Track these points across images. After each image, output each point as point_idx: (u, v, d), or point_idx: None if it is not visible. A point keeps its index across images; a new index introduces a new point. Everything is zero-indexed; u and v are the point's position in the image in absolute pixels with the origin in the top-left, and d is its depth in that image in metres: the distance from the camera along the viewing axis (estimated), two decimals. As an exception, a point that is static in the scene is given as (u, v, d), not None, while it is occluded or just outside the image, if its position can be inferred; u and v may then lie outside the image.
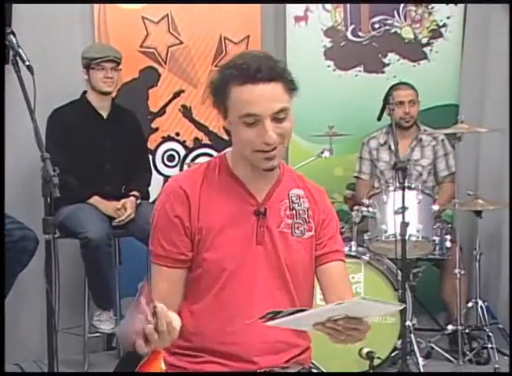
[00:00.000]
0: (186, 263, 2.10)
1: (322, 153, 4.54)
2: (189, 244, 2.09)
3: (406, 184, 3.92)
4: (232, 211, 2.11)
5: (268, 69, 1.99)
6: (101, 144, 4.31)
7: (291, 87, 2.05)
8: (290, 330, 2.00)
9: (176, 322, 1.83)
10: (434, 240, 4.26)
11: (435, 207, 4.24)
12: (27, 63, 2.94)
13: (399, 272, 4.08)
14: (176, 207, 2.08)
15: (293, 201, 2.17)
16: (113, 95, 4.50)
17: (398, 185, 4.00)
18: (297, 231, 2.15)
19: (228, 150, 2.21)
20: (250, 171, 2.12)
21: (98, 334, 4.26)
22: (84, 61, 4.26)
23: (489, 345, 4.24)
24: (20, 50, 2.97)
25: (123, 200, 4.23)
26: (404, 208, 3.85)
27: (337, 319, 1.80)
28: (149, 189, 4.52)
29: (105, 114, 4.36)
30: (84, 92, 4.35)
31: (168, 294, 2.08)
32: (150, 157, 4.80)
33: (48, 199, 2.77)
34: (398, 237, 3.89)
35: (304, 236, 2.16)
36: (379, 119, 4.31)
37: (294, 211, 2.16)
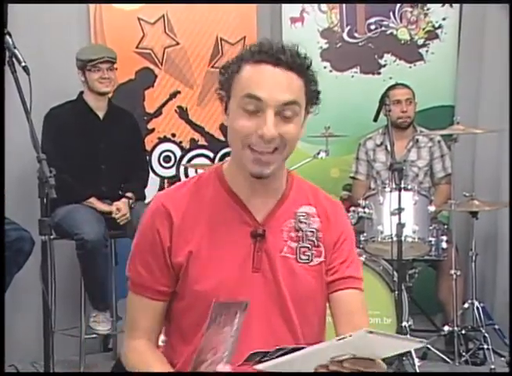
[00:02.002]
0: (166, 296, 1.86)
1: (318, 154, 4.54)
2: (168, 275, 1.83)
3: (402, 185, 3.93)
4: (225, 233, 1.83)
5: (292, 55, 1.74)
6: (96, 144, 4.30)
7: (313, 90, 1.79)
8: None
9: None
10: (430, 241, 4.26)
11: (431, 209, 4.24)
12: (23, 63, 2.94)
13: (395, 273, 4.08)
14: (158, 229, 1.83)
15: (300, 221, 1.86)
16: (110, 95, 4.49)
17: (394, 186, 4.01)
18: (303, 257, 1.85)
19: (227, 159, 1.93)
20: (249, 183, 1.82)
21: (94, 336, 4.25)
22: (79, 63, 4.25)
23: (485, 346, 4.24)
24: (16, 51, 2.98)
25: (115, 204, 4.22)
26: (400, 209, 3.85)
27: (343, 361, 1.49)
28: (146, 191, 4.51)
29: (101, 115, 4.35)
30: (81, 93, 4.35)
31: (152, 327, 1.88)
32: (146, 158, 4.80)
33: (45, 200, 2.77)
34: (395, 238, 3.89)
35: (311, 263, 1.86)
36: (375, 120, 4.31)
37: (301, 233, 1.86)
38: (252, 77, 1.73)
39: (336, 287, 1.87)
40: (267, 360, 1.52)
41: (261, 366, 1.52)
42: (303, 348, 1.50)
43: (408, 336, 1.52)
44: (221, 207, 1.85)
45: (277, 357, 1.51)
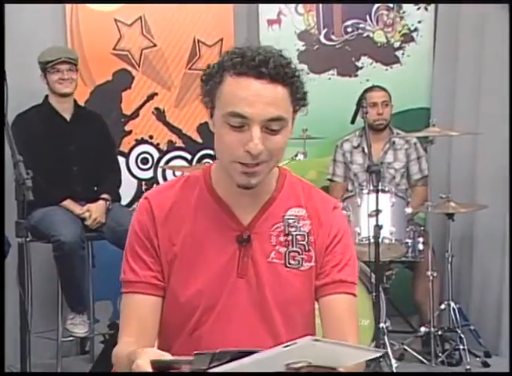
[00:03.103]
0: (160, 291, 1.81)
1: (296, 156, 4.55)
2: (160, 269, 1.81)
3: (380, 187, 3.94)
4: (210, 237, 1.79)
5: (276, 66, 1.66)
6: (66, 146, 4.28)
7: (299, 97, 1.72)
8: None
9: None
10: (407, 243, 4.29)
11: (408, 210, 4.27)
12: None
13: (373, 274, 4.09)
14: (145, 225, 1.81)
15: (289, 225, 1.81)
16: (86, 97, 4.48)
17: (371, 188, 4.02)
18: (292, 262, 1.80)
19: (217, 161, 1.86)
20: (234, 188, 1.76)
21: (71, 338, 4.23)
22: (40, 65, 4.25)
23: (461, 347, 4.27)
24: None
25: (87, 205, 4.20)
26: (378, 211, 3.87)
27: (299, 369, 1.41)
28: (123, 192, 4.49)
29: (68, 117, 4.33)
30: (47, 96, 4.33)
31: (146, 327, 1.80)
32: (124, 160, 4.80)
33: (22, 202, 2.76)
34: (372, 240, 3.91)
35: (301, 268, 1.80)
36: (352, 122, 4.33)
37: (290, 238, 1.80)
38: (235, 93, 1.67)
39: (325, 292, 1.82)
40: (216, 366, 1.45)
41: (212, 370, 1.45)
42: (249, 352, 1.42)
43: (361, 345, 1.49)
44: (207, 211, 1.81)
45: (225, 360, 1.45)
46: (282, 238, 1.80)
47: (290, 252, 1.80)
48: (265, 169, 1.72)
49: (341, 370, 1.49)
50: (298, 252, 1.80)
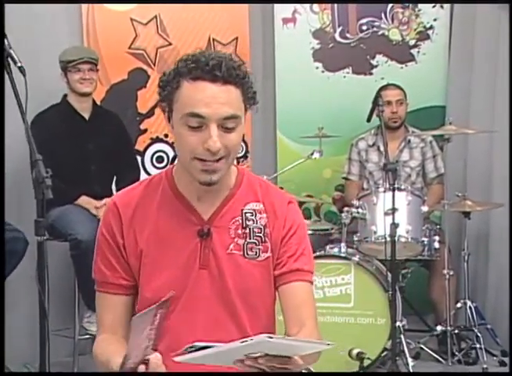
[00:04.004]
0: (129, 289, 1.93)
1: (312, 154, 4.54)
2: (128, 269, 1.92)
3: (396, 185, 3.93)
4: (173, 233, 1.90)
5: (228, 69, 1.79)
6: (84, 145, 4.31)
7: (250, 96, 1.85)
8: None
9: None
10: (423, 241, 4.28)
11: (424, 209, 4.26)
12: (19, 64, 2.92)
13: (389, 273, 4.08)
14: (111, 226, 1.92)
15: (247, 218, 1.93)
16: (102, 96, 4.48)
17: (388, 186, 4.01)
18: (250, 253, 1.91)
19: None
20: (195, 185, 1.88)
21: (87, 336, 4.24)
22: (61, 64, 4.27)
23: (478, 346, 4.25)
24: (12, 51, 2.96)
25: (105, 199, 4.22)
26: (394, 209, 3.86)
27: (257, 358, 1.55)
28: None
29: (87, 116, 4.36)
30: (65, 96, 4.35)
31: (113, 325, 1.93)
32: (139, 158, 4.81)
33: (42, 200, 2.76)
34: (388, 238, 3.89)
35: (258, 258, 1.92)
36: (368, 120, 4.32)
37: (248, 230, 1.92)
38: (192, 96, 1.79)
39: (283, 281, 1.93)
40: (189, 353, 1.59)
41: (180, 359, 1.58)
42: (213, 346, 1.55)
43: (312, 339, 1.70)
44: (169, 209, 1.92)
45: (199, 350, 1.58)
46: (240, 231, 1.92)
47: (247, 244, 1.92)
48: (223, 166, 1.84)
49: (296, 357, 1.58)
50: (255, 243, 1.92)
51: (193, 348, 1.57)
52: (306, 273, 1.95)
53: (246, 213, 1.93)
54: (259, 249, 1.92)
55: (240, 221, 1.92)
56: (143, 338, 1.61)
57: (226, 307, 1.90)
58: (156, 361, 1.62)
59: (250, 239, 1.92)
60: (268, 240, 1.93)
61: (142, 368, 1.61)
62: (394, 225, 3.85)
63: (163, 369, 1.64)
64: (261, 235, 1.93)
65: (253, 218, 1.93)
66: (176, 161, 1.98)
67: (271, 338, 1.48)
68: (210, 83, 1.78)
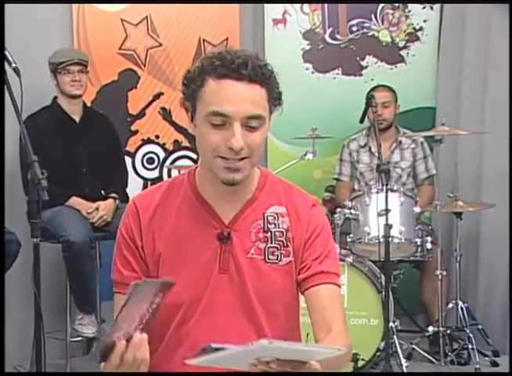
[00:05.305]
0: None
1: (305, 155, 4.54)
2: (146, 269, 1.89)
3: (389, 186, 3.94)
4: (192, 236, 1.88)
5: (254, 67, 1.77)
6: (75, 148, 4.29)
7: (275, 96, 1.84)
8: None
9: (144, 365, 1.62)
10: (416, 242, 4.28)
11: (417, 210, 4.26)
12: (14, 65, 2.92)
13: (381, 274, 4.09)
14: (131, 227, 1.90)
15: (268, 222, 1.89)
16: (93, 97, 4.45)
17: (380, 187, 4.01)
18: (271, 257, 1.88)
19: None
20: (217, 188, 1.86)
21: (79, 339, 4.22)
22: (50, 66, 4.24)
23: (470, 346, 4.27)
24: (6, 52, 2.95)
25: (97, 203, 4.20)
26: (387, 210, 3.86)
27: (269, 362, 1.51)
28: (128, 192, 4.48)
29: (77, 118, 4.33)
30: (55, 98, 4.32)
31: None
32: (130, 159, 4.80)
33: (37, 202, 2.74)
34: (382, 239, 3.90)
35: (280, 263, 1.88)
36: (361, 121, 4.33)
37: (269, 234, 1.89)
38: (217, 94, 1.77)
39: (308, 284, 1.89)
40: (202, 356, 1.55)
41: (194, 361, 1.54)
42: (226, 348, 1.52)
43: (318, 344, 1.74)
44: (189, 212, 1.90)
45: (211, 353, 1.54)
46: (261, 234, 1.89)
47: (269, 248, 1.88)
48: (246, 165, 1.81)
49: (313, 362, 1.53)
50: (277, 248, 1.89)
51: (208, 350, 1.54)
52: (331, 276, 1.90)
53: (268, 216, 1.90)
54: (281, 253, 1.89)
55: (262, 224, 1.89)
56: (137, 313, 1.58)
57: (246, 312, 1.87)
58: (138, 341, 1.58)
59: (271, 243, 1.88)
60: (291, 244, 1.90)
61: (122, 344, 1.57)
62: (388, 227, 3.86)
63: (145, 351, 1.59)
64: (282, 239, 1.89)
65: (275, 221, 1.90)
66: (199, 163, 1.95)
67: (271, 343, 1.44)
68: (236, 81, 1.77)
